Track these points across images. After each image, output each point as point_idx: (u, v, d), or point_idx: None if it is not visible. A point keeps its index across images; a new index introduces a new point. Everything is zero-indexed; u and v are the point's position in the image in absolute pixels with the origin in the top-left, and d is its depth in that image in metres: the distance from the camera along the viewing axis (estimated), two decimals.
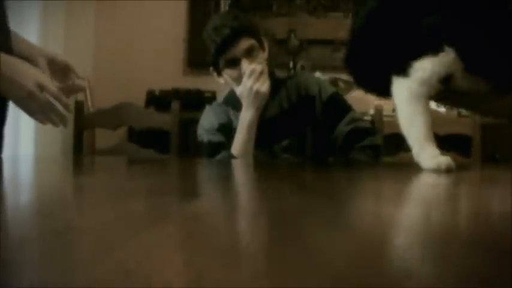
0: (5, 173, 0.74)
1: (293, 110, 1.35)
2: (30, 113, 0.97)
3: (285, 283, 0.19)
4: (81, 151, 1.75)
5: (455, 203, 0.49)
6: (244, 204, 0.46)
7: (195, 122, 1.42)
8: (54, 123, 1.01)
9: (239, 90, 1.27)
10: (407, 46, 0.83)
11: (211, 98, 2.37)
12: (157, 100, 2.49)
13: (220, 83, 1.38)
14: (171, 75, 2.81)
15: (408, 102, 0.83)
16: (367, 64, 0.93)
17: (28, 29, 2.19)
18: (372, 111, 1.95)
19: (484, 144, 1.76)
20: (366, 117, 1.80)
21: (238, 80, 1.28)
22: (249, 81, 1.24)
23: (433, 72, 0.80)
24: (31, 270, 0.20)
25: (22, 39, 1.06)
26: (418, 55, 0.81)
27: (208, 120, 1.37)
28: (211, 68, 1.36)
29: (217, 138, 1.33)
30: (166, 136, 1.71)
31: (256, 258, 0.23)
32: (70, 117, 1.10)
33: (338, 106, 1.34)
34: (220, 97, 1.47)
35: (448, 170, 0.77)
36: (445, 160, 0.78)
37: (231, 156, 1.27)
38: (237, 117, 1.32)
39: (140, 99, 2.49)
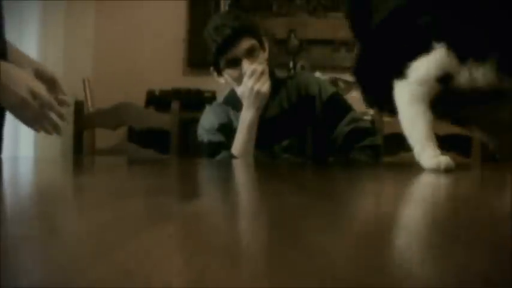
0: (4, 173, 0.74)
1: (293, 110, 1.35)
2: (24, 120, 0.96)
3: (285, 283, 0.19)
4: (81, 151, 1.75)
5: (455, 203, 0.49)
6: (244, 204, 0.46)
7: (195, 122, 1.42)
8: (48, 132, 1.00)
9: (240, 90, 1.27)
10: (404, 49, 0.85)
11: (211, 98, 2.37)
12: (157, 100, 2.49)
13: (220, 83, 1.38)
14: (171, 75, 2.81)
15: (409, 103, 0.84)
16: (374, 77, 0.93)
17: (28, 29, 2.20)
18: (372, 111, 1.94)
19: (484, 144, 1.75)
20: (366, 117, 1.80)
21: (238, 80, 1.28)
22: (250, 81, 1.24)
23: (428, 70, 0.81)
24: (31, 270, 0.20)
25: (15, 49, 1.04)
26: (414, 56, 0.83)
27: (208, 120, 1.37)
28: (211, 68, 1.36)
29: (218, 138, 1.33)
30: (166, 136, 1.71)
31: (256, 258, 0.23)
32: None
33: (338, 106, 1.34)
34: (220, 97, 1.47)
35: (447, 170, 0.78)
36: (444, 160, 0.79)
37: (231, 156, 1.27)
38: (237, 117, 1.32)
39: (140, 99, 2.49)
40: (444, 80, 0.81)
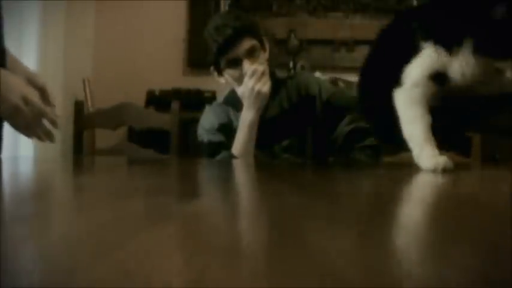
0: (4, 173, 0.74)
1: (293, 110, 1.35)
2: (16, 127, 0.95)
3: (285, 283, 0.19)
4: (81, 151, 1.75)
5: (455, 202, 0.49)
6: (244, 204, 0.46)
7: (195, 122, 1.42)
8: (41, 139, 0.99)
9: (240, 90, 1.27)
10: (400, 58, 0.88)
11: (211, 98, 2.37)
12: (157, 100, 2.49)
13: (220, 83, 1.38)
14: (171, 75, 2.81)
15: (407, 107, 0.86)
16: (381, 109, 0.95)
17: (28, 29, 2.19)
18: None
19: (484, 144, 1.75)
20: None
21: (239, 80, 1.28)
22: (251, 81, 1.24)
23: (420, 71, 0.84)
24: (31, 270, 0.20)
25: (10, 55, 1.04)
26: (407, 62, 0.86)
27: (208, 120, 1.37)
28: (212, 68, 1.36)
29: (218, 138, 1.33)
30: (166, 136, 1.71)
31: (256, 258, 0.23)
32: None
33: (338, 106, 1.34)
34: (221, 97, 1.47)
35: (445, 170, 0.78)
36: (442, 160, 0.79)
37: (231, 156, 1.27)
38: (237, 117, 1.32)
39: (140, 99, 2.49)
40: (438, 78, 0.82)
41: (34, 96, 0.94)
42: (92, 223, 0.31)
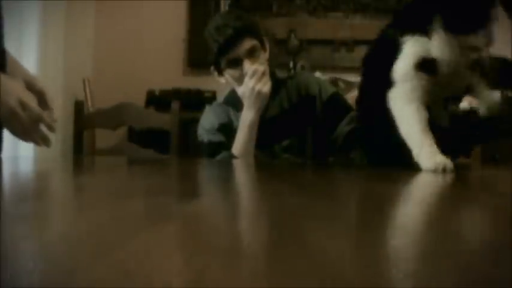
0: (4, 173, 0.74)
1: (293, 110, 1.35)
2: (13, 131, 0.94)
3: (285, 283, 0.19)
4: (81, 151, 1.75)
5: (455, 202, 0.49)
6: (244, 205, 0.46)
7: (195, 122, 1.42)
8: (37, 143, 0.98)
9: (241, 90, 1.27)
10: (388, 63, 0.90)
11: (211, 98, 2.37)
12: (157, 100, 2.49)
13: (220, 82, 1.38)
14: (171, 75, 2.81)
15: (401, 105, 0.86)
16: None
17: (28, 29, 2.19)
18: None
19: (483, 145, 1.75)
20: None
21: (239, 80, 1.28)
22: (251, 81, 1.24)
23: (407, 62, 0.85)
24: (31, 270, 0.20)
25: (10, 57, 1.03)
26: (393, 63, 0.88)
27: (208, 120, 1.37)
28: (212, 68, 1.36)
29: (218, 138, 1.33)
30: (166, 136, 1.71)
31: (256, 258, 0.23)
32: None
33: (338, 106, 1.34)
34: (221, 97, 1.47)
35: (445, 170, 0.78)
36: (443, 160, 0.79)
37: (232, 156, 1.27)
38: (237, 117, 1.32)
39: (140, 99, 2.49)
40: (426, 67, 0.84)
41: (32, 101, 0.93)
42: (92, 223, 0.31)
